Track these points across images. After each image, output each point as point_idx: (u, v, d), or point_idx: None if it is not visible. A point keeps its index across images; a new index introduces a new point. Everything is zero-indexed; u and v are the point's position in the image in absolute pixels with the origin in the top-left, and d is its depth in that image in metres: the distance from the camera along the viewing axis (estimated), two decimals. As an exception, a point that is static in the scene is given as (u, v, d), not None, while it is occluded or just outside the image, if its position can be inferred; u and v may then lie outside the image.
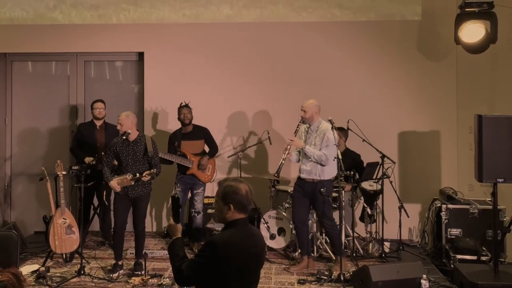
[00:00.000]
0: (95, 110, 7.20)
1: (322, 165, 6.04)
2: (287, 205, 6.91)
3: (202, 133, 7.11)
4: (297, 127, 6.24)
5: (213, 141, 7.20)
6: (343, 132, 6.93)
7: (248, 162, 7.91)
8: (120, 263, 6.16)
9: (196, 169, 6.94)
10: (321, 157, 6.01)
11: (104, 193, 6.90)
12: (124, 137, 6.01)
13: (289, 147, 6.14)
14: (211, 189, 7.76)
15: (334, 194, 6.43)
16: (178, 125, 7.14)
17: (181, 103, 7.06)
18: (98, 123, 7.25)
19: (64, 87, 8.27)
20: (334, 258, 6.32)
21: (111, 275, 5.95)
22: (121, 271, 6.09)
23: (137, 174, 5.93)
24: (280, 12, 7.93)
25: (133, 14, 8.02)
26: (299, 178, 6.30)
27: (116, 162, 6.16)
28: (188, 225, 7.21)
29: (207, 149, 7.18)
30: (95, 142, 7.15)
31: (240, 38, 7.98)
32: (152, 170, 5.98)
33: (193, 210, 7.02)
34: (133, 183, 5.96)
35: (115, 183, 5.95)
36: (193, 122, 7.09)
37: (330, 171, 6.12)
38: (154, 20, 8.01)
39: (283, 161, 6.12)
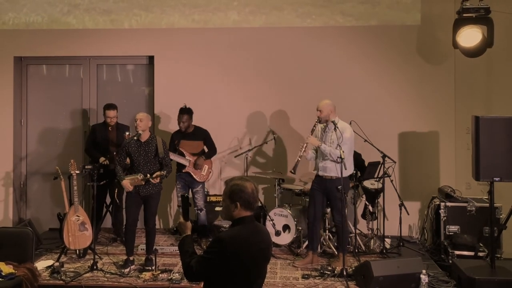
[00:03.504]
0: (107, 118, 7.25)
1: (338, 163, 6.04)
2: (300, 207, 7.03)
3: (202, 135, 7.19)
4: (314, 126, 6.31)
5: (212, 143, 7.26)
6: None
7: (255, 161, 8.00)
8: (131, 258, 6.22)
9: (192, 168, 7.05)
10: (337, 155, 6.03)
11: (116, 191, 6.93)
12: (135, 138, 6.14)
13: (305, 145, 6.21)
14: (217, 188, 7.94)
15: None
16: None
17: (182, 106, 7.12)
18: (111, 124, 7.32)
19: (77, 90, 8.37)
20: (336, 253, 6.41)
21: (122, 270, 6.02)
22: (132, 266, 6.14)
23: (148, 175, 6.03)
24: (285, 18, 8.04)
25: (144, 19, 8.12)
26: (317, 175, 6.36)
27: (128, 161, 6.26)
28: (195, 222, 7.27)
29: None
30: (108, 142, 7.22)
31: (247, 42, 8.06)
32: (161, 172, 6.08)
33: (196, 208, 7.12)
34: (143, 183, 6.08)
35: (127, 182, 6.06)
36: (198, 123, 7.19)
37: (347, 170, 6.13)
38: (165, 25, 8.12)
39: (299, 158, 6.20)
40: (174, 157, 6.95)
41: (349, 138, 6.18)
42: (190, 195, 7.22)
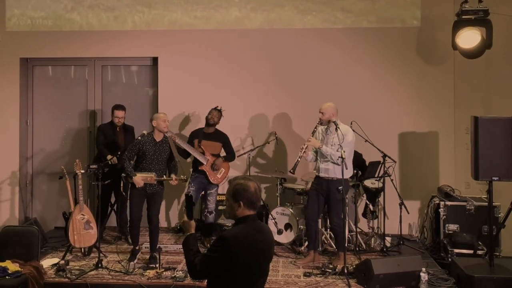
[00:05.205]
0: (115, 118, 7.30)
1: (338, 165, 6.08)
2: (301, 206, 7.05)
3: (221, 137, 7.20)
4: (315, 128, 6.32)
5: (231, 147, 7.28)
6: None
7: (257, 161, 8.06)
8: (137, 248, 6.36)
9: (209, 167, 7.03)
10: (338, 156, 6.07)
11: (122, 185, 6.85)
12: (145, 133, 6.28)
13: (305, 146, 6.24)
14: (221, 188, 8.02)
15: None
16: (190, 127, 7.24)
17: (216, 107, 7.18)
18: (118, 124, 7.37)
19: (82, 91, 8.44)
20: (337, 251, 6.44)
21: (130, 262, 6.17)
22: (138, 255, 6.33)
23: (164, 176, 6.16)
24: (286, 15, 8.09)
25: (147, 16, 8.18)
26: (317, 177, 6.39)
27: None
28: (200, 221, 7.35)
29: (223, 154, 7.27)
30: (115, 142, 7.28)
31: (249, 43, 8.12)
32: (182, 176, 6.20)
33: (206, 209, 7.09)
34: (155, 182, 6.19)
35: (140, 179, 6.13)
36: (201, 124, 7.26)
37: (347, 171, 6.15)
38: (167, 22, 8.16)
39: (299, 159, 6.22)
40: (193, 151, 6.99)
41: (350, 142, 6.22)
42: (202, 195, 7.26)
